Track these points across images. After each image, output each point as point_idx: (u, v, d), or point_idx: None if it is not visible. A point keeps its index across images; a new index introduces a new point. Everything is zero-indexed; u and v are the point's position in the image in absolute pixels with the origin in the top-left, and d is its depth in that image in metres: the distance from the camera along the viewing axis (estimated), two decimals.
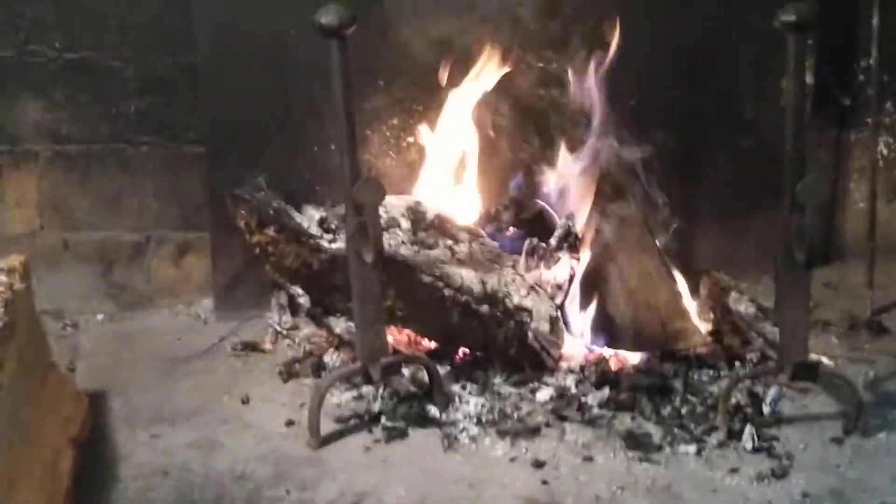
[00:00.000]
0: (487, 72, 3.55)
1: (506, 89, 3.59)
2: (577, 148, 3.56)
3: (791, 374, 2.96)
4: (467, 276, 3.23)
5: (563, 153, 3.59)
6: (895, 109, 3.97)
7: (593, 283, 3.38)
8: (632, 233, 3.41)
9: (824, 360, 3.23)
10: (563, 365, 3.28)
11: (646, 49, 3.59)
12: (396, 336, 3.35)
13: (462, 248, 3.39)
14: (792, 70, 2.81)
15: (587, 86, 3.53)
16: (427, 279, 3.20)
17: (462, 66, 3.54)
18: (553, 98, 3.63)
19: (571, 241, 3.47)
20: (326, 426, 2.97)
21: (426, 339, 3.37)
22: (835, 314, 3.69)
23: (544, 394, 3.15)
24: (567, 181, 3.58)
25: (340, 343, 3.34)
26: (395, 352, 3.13)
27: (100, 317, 3.74)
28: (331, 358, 3.33)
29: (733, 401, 3.08)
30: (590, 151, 3.53)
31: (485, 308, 3.20)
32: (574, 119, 3.57)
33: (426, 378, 3.11)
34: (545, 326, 3.26)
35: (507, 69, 3.56)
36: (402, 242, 3.34)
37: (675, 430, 2.98)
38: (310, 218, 3.41)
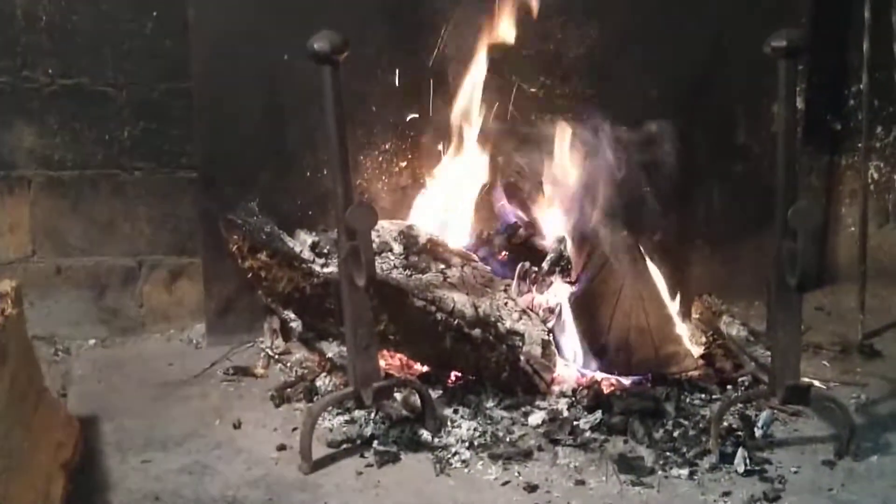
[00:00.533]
0: (474, 91, 3.59)
1: (498, 115, 3.63)
2: (568, 172, 3.56)
3: (783, 397, 2.97)
4: (459, 300, 3.22)
5: (554, 176, 3.60)
6: (886, 134, 3.99)
7: (585, 307, 3.39)
8: (624, 257, 3.40)
9: (816, 383, 3.24)
10: (556, 388, 3.29)
11: (638, 75, 3.63)
12: (388, 360, 3.36)
13: (454, 272, 3.38)
14: (783, 96, 2.83)
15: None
16: (419, 303, 3.19)
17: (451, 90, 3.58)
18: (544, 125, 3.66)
19: (563, 265, 3.49)
20: (318, 451, 2.96)
21: (418, 363, 3.37)
22: (826, 338, 3.70)
23: (536, 417, 3.15)
24: (560, 206, 3.59)
25: (332, 367, 3.34)
26: (388, 376, 3.12)
27: (92, 342, 3.72)
28: (323, 382, 3.33)
29: (725, 424, 3.08)
30: (583, 176, 3.54)
31: (477, 332, 3.20)
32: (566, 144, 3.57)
33: (418, 402, 3.10)
34: (537, 350, 3.25)
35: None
36: (395, 266, 3.33)
37: (668, 453, 2.98)
38: (302, 242, 3.40)
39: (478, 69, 3.54)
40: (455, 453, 2.99)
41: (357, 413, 3.15)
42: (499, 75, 3.58)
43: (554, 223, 3.59)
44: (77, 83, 3.65)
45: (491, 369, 3.24)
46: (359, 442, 3.04)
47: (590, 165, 3.48)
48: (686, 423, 3.12)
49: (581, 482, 2.86)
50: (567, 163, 3.53)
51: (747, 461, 2.92)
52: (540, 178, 3.58)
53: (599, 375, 3.34)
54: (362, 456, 2.98)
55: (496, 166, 3.66)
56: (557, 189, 3.56)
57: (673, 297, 3.51)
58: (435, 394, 3.20)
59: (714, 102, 3.68)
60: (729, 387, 3.33)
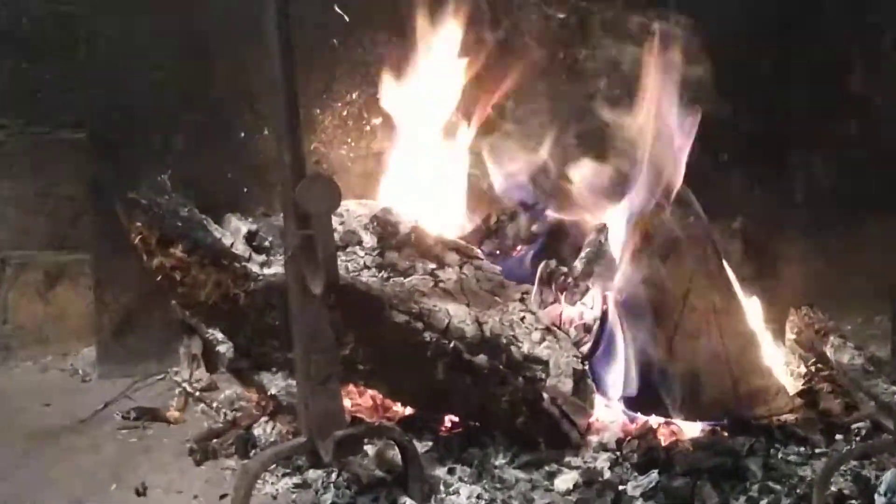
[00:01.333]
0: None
1: (514, 46, 3.66)
2: (614, 134, 3.58)
3: None
4: (457, 314, 3.26)
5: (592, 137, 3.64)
6: None
7: (636, 324, 3.41)
8: (693, 254, 3.46)
9: None
10: (593, 440, 3.33)
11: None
12: (357, 399, 3.39)
13: (450, 275, 3.42)
14: None
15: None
16: (400, 318, 3.21)
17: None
18: (578, 60, 3.71)
19: (605, 264, 3.52)
20: None
21: (399, 404, 3.43)
22: None
23: (566, 480, 3.16)
24: (598, 180, 3.61)
25: (277, 409, 3.37)
26: (355, 421, 3.14)
27: None
28: (263, 430, 3.38)
29: (834, 489, 3.06)
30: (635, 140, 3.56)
31: (481, 359, 3.23)
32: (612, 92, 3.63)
33: (398, 458, 3.10)
34: (567, 385, 3.29)
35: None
36: (365, 266, 3.38)
37: None
38: (234, 232, 3.43)
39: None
40: None
41: (312, 474, 3.16)
42: None
43: (592, 206, 3.63)
44: None
45: (501, 412, 3.27)
46: None
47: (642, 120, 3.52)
48: (778, 487, 3.12)
49: None
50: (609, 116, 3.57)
51: None
52: (572, 140, 3.64)
53: (655, 421, 3.38)
54: None
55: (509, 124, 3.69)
56: (597, 157, 3.60)
57: (759, 308, 3.55)
58: (422, 446, 3.23)
59: (817, 35, 3.70)
60: (838, 436, 3.34)
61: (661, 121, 3.53)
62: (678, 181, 3.51)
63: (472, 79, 3.67)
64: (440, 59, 3.61)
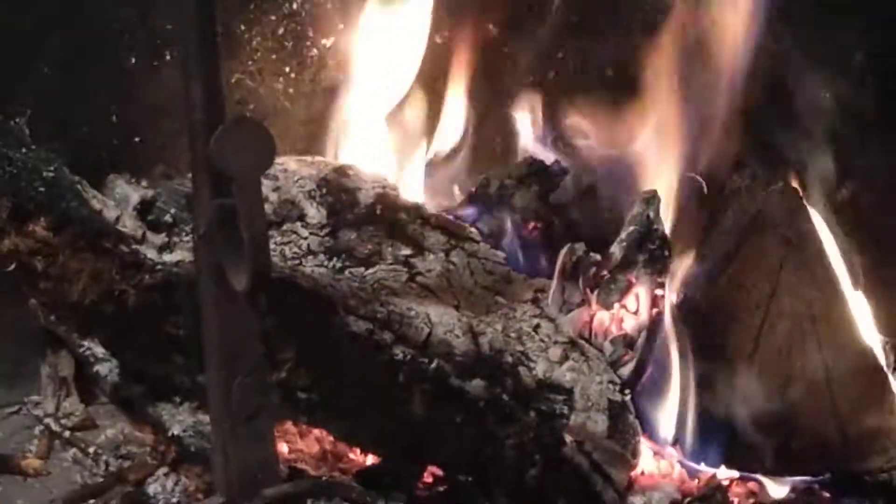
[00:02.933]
0: None
1: None
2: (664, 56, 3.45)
3: None
4: (442, 321, 3.04)
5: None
6: None
7: (701, 336, 3.21)
8: (781, 236, 3.24)
9: None
10: (637, 501, 3.10)
11: None
12: (297, 443, 3.20)
13: (432, 264, 3.22)
14: None
15: None
16: (360, 327, 2.96)
17: None
18: None
19: (655, 252, 3.26)
20: None
21: (358, 449, 3.25)
22: None
23: None
24: (646, 125, 3.45)
25: (182, 456, 3.16)
26: (295, 474, 2.94)
27: None
28: (162, 486, 3.12)
29: None
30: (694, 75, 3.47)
31: (477, 385, 2.98)
32: None
33: None
34: (600, 423, 3.07)
35: None
36: (310, 251, 3.19)
37: None
38: (121, 201, 3.20)
39: None
40: None
41: None
42: None
43: (635, 164, 3.43)
44: None
45: (505, 461, 3.04)
46: None
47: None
48: None
49: None
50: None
51: None
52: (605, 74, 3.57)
53: (726, 475, 3.20)
54: None
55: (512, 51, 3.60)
56: (642, 100, 3.45)
57: (878, 315, 3.33)
58: None
59: None
60: None
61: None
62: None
63: None
64: None
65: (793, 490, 3.12)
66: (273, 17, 3.47)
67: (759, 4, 3.39)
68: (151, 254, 3.02)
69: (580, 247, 3.27)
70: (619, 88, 3.58)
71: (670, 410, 3.21)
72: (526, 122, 3.59)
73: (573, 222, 3.48)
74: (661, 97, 3.46)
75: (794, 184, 3.30)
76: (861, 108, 3.46)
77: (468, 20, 3.61)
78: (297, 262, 3.12)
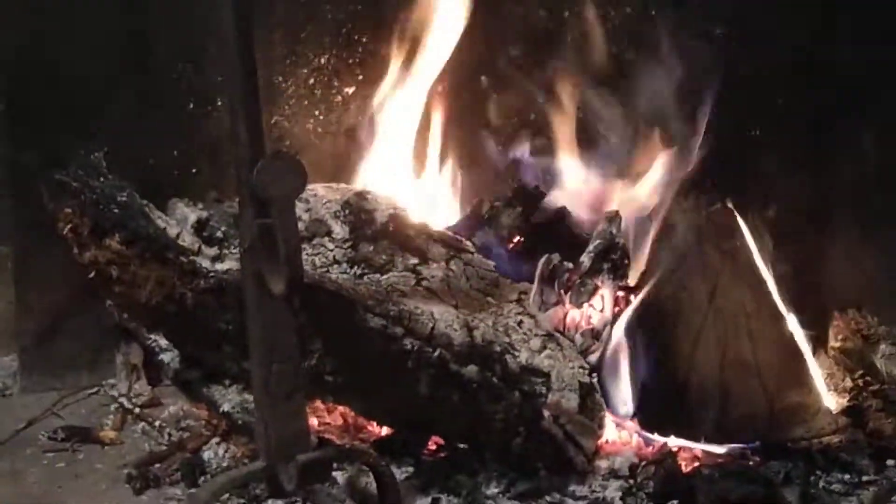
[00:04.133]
0: None
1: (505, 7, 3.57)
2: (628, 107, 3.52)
3: None
4: (443, 318, 3.11)
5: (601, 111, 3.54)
6: None
7: (653, 329, 3.31)
8: (719, 250, 3.35)
9: None
10: (602, 465, 3.20)
11: None
12: (325, 417, 3.28)
13: (435, 272, 3.30)
14: None
15: None
16: (376, 322, 3.03)
17: None
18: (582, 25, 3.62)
19: (616, 260, 3.39)
20: None
21: (374, 423, 3.30)
22: None
23: None
24: (610, 161, 3.53)
25: (231, 428, 3.23)
26: (323, 443, 2.93)
27: None
28: (214, 453, 3.23)
29: None
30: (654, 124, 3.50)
31: (471, 370, 3.07)
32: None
33: (373, 486, 2.95)
34: (572, 401, 3.14)
35: None
36: (335, 261, 3.26)
37: None
38: (180, 220, 3.27)
39: None
40: None
41: None
42: None
43: (602, 190, 3.57)
44: None
45: (495, 432, 3.13)
46: None
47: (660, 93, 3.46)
48: None
49: None
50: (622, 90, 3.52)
51: None
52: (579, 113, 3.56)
53: (674, 443, 3.26)
54: None
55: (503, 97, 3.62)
56: (607, 132, 3.52)
57: (798, 311, 3.42)
58: (402, 473, 3.10)
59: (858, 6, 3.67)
60: (890, 462, 3.21)
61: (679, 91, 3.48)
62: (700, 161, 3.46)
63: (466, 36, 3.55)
64: (426, 16, 3.54)
65: (729, 455, 3.16)
66: (304, 71, 3.52)
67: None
68: (206, 263, 3.07)
69: (556, 257, 3.34)
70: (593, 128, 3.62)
71: (629, 390, 3.25)
72: (513, 154, 3.64)
73: (550, 237, 3.49)
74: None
75: (730, 206, 3.32)
76: (782, 147, 3.56)
77: (464, 75, 3.63)
78: (324, 269, 3.14)
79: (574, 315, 3.34)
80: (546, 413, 3.10)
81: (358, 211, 3.32)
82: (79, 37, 3.43)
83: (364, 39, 3.55)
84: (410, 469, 3.13)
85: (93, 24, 3.42)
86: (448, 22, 3.51)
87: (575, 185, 3.58)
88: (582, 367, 3.18)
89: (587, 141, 3.61)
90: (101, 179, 3.17)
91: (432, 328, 3.05)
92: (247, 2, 2.63)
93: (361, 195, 3.37)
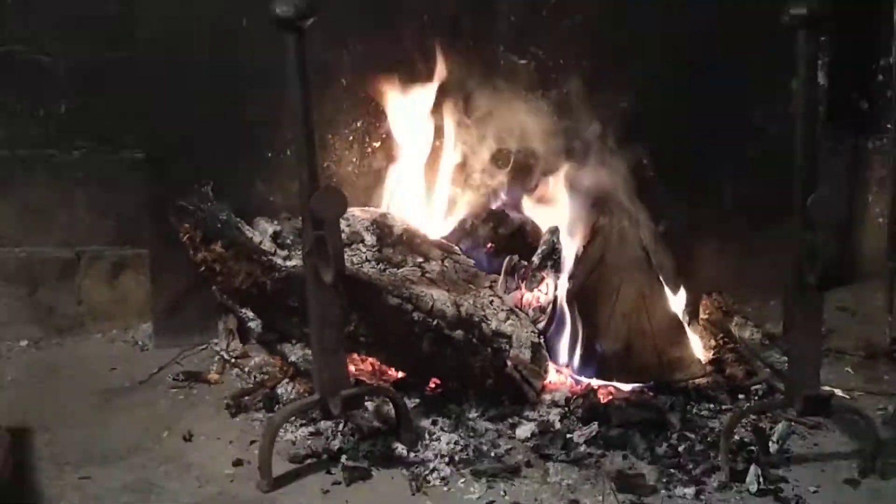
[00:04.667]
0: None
1: (486, 91, 3.64)
2: (566, 157, 3.63)
3: (801, 408, 2.97)
4: (439, 298, 3.24)
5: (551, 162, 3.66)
6: None
7: (581, 306, 3.40)
8: (625, 250, 3.43)
9: (838, 392, 3.23)
10: (547, 397, 3.31)
11: (648, 54, 3.65)
12: (359, 365, 3.38)
13: (434, 267, 3.42)
14: (803, 71, 2.82)
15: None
16: (394, 301, 3.19)
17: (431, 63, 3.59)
18: (539, 102, 3.69)
19: (556, 259, 3.51)
20: (280, 466, 2.97)
21: (392, 369, 3.39)
22: (850, 342, 3.71)
23: (525, 430, 3.17)
24: (552, 193, 3.64)
25: (296, 373, 3.35)
26: (358, 382, 3.14)
27: (24, 343, 3.73)
28: (285, 389, 3.34)
29: (736, 438, 3.10)
30: (580, 161, 3.60)
31: (458, 333, 3.22)
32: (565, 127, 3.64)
33: (392, 412, 3.12)
34: (526, 354, 3.28)
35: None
36: (366, 260, 3.37)
37: (672, 470, 3.00)
38: (262, 232, 3.41)
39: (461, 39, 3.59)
40: (433, 469, 3.00)
41: (323, 424, 3.16)
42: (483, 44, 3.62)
43: (546, 211, 3.64)
44: (8, 51, 3.65)
45: (474, 376, 3.25)
46: (325, 457, 3.04)
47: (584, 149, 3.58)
48: (692, 436, 3.14)
49: (575, 502, 2.87)
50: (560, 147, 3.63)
51: (760, 479, 2.93)
52: (532, 160, 3.66)
53: (596, 383, 3.35)
54: (329, 472, 2.98)
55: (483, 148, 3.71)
56: (550, 174, 3.63)
57: (679, 295, 3.54)
58: (411, 403, 3.22)
59: (726, 78, 3.69)
60: (741, 396, 3.35)
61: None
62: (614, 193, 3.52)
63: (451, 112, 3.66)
64: (426, 96, 3.62)
65: (632, 391, 3.29)
66: (346, 130, 3.61)
67: None
68: (279, 261, 3.25)
69: (515, 257, 3.46)
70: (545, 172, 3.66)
71: (565, 347, 3.39)
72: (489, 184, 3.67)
73: (512, 243, 3.57)
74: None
75: (632, 222, 3.42)
76: (670, 182, 3.64)
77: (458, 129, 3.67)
78: (359, 266, 3.28)
79: (528, 297, 3.44)
80: (509, 363, 3.23)
81: (382, 226, 3.46)
82: (195, 106, 3.51)
83: (384, 109, 3.60)
84: (417, 400, 3.25)
85: (203, 101, 3.52)
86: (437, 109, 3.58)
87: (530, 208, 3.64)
88: (533, 331, 3.31)
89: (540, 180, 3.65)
90: (209, 204, 3.37)
91: (432, 305, 3.19)
92: (308, 85, 2.78)
93: (384, 216, 3.50)
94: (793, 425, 3.18)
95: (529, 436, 3.15)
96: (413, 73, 3.59)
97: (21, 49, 3.64)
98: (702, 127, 3.71)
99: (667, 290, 3.47)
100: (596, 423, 3.17)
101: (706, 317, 3.57)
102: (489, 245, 3.62)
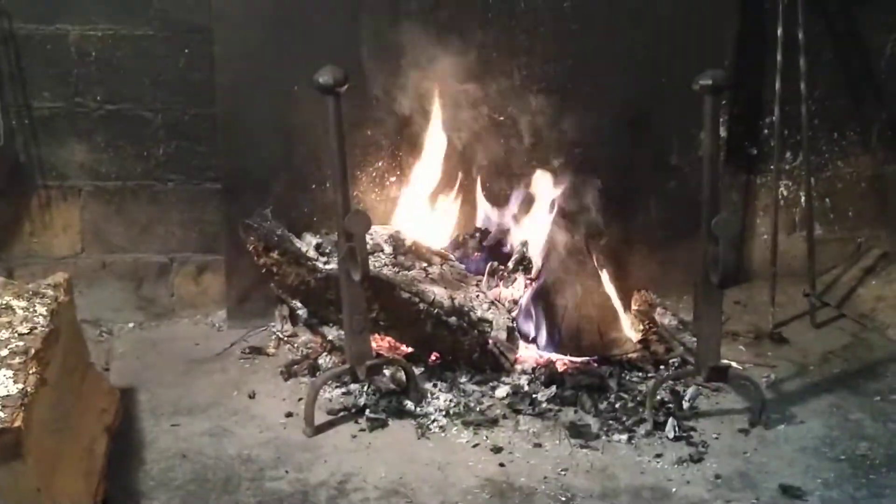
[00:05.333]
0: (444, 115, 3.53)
1: (476, 137, 3.59)
2: (533, 188, 3.58)
3: (706, 376, 2.98)
4: (439, 293, 3.19)
5: (521, 192, 3.62)
6: (794, 158, 3.94)
7: (544, 300, 3.35)
8: (576, 258, 3.41)
9: (734, 364, 3.21)
10: (518, 367, 3.27)
11: (592, 108, 3.59)
12: (379, 342, 3.31)
13: (434, 270, 3.36)
14: (708, 125, 2.81)
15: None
16: (405, 295, 3.15)
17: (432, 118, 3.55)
18: (512, 148, 3.63)
19: (526, 265, 3.46)
20: (320, 417, 2.96)
21: (404, 345, 3.33)
22: (742, 326, 3.69)
23: (502, 391, 3.14)
24: (523, 215, 3.59)
25: (332, 348, 3.30)
26: (378, 355, 3.08)
27: (131, 325, 3.66)
28: (324, 360, 3.30)
29: (658, 398, 3.08)
30: (545, 192, 3.56)
31: (453, 319, 3.18)
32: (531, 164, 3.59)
33: (404, 377, 3.09)
34: (503, 335, 3.23)
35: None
36: (385, 264, 3.31)
37: (610, 421, 2.98)
38: (308, 244, 3.37)
39: (452, 104, 3.52)
40: (434, 420, 2.98)
41: (352, 386, 3.12)
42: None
43: (518, 229, 3.59)
44: (120, 108, 3.62)
45: (464, 350, 3.21)
46: (353, 410, 3.02)
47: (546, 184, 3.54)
48: (626, 396, 3.11)
49: (538, 445, 2.87)
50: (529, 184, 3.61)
51: (676, 429, 2.94)
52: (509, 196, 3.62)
53: (554, 357, 3.31)
54: (356, 422, 2.97)
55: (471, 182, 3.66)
56: (521, 204, 3.60)
57: (616, 291, 3.50)
58: (417, 371, 3.18)
59: (653, 129, 3.64)
60: (662, 367, 3.31)
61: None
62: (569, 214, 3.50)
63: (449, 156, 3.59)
64: (433, 139, 3.56)
65: (581, 363, 3.24)
66: (370, 168, 3.54)
67: None
68: (320, 265, 3.21)
69: (495, 263, 3.43)
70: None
71: (532, 330, 3.33)
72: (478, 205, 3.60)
73: (493, 253, 3.52)
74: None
75: (581, 236, 3.41)
76: (608, 204, 3.54)
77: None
78: (379, 269, 3.21)
79: (505, 293, 3.40)
80: (490, 341, 3.19)
81: (396, 239, 3.39)
82: (259, 149, 3.45)
83: (400, 153, 3.56)
84: (422, 369, 3.21)
85: (266, 146, 3.47)
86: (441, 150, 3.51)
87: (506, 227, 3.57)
88: (508, 318, 3.26)
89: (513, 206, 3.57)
90: (268, 223, 3.33)
91: (433, 298, 3.16)
92: (342, 135, 2.78)
93: (398, 232, 3.44)
94: (700, 389, 3.16)
95: (505, 395, 3.12)
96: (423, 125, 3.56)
97: (130, 106, 3.63)
98: (633, 165, 3.67)
99: (607, 287, 3.46)
100: (554, 386, 3.14)
101: (636, 308, 3.52)
102: (476, 255, 3.57)
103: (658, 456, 2.82)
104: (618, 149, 3.63)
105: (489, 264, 3.44)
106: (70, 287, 2.79)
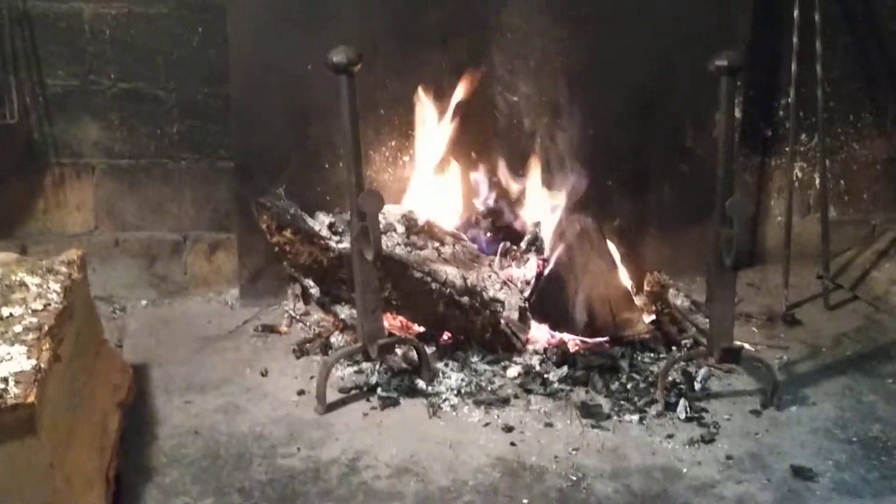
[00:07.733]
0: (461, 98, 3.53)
1: (488, 118, 3.59)
2: (547, 168, 3.58)
3: (718, 357, 2.96)
4: (451, 273, 3.19)
5: (535, 172, 3.60)
6: (808, 140, 3.93)
7: (556, 280, 3.33)
8: (589, 239, 3.38)
9: (746, 346, 3.19)
10: (530, 347, 3.26)
11: (605, 91, 3.58)
12: (391, 321, 3.30)
13: (447, 250, 3.35)
14: (724, 107, 2.80)
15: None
16: (417, 275, 3.15)
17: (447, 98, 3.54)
18: (524, 130, 3.62)
19: (538, 245, 3.46)
20: (332, 395, 2.96)
21: (416, 325, 3.33)
22: (756, 308, 3.68)
23: (513, 371, 3.14)
24: (535, 196, 3.58)
25: (344, 327, 3.30)
26: (390, 334, 3.07)
27: (144, 302, 3.67)
28: (336, 339, 3.30)
29: (670, 378, 3.08)
30: (558, 173, 3.55)
31: (465, 299, 3.17)
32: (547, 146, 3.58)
33: (415, 356, 3.10)
34: (515, 315, 3.22)
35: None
36: (398, 244, 3.30)
37: (622, 402, 2.98)
38: (321, 223, 3.37)
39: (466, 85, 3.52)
40: (445, 399, 2.99)
41: (364, 365, 3.13)
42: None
43: (531, 210, 3.58)
44: (134, 86, 3.62)
45: (476, 330, 3.21)
46: (365, 389, 3.03)
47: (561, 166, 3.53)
48: (637, 377, 3.11)
49: (550, 424, 2.87)
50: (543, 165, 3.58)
51: (688, 409, 2.94)
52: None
53: (566, 337, 3.30)
54: (368, 400, 2.98)
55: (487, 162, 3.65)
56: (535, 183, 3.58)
57: (629, 273, 3.50)
58: (429, 350, 3.19)
59: (666, 112, 3.62)
60: (674, 348, 3.30)
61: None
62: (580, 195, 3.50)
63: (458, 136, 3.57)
64: (443, 122, 3.54)
65: (593, 343, 3.24)
66: (383, 148, 3.53)
67: None
68: (333, 244, 3.21)
69: (508, 243, 3.44)
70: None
71: (545, 310, 3.30)
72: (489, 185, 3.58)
73: (506, 233, 3.54)
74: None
75: (594, 218, 3.41)
76: (623, 189, 3.59)
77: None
78: (392, 248, 3.21)
79: (517, 273, 3.40)
80: (502, 321, 3.19)
81: (409, 219, 3.38)
82: (272, 128, 3.47)
83: (413, 133, 3.54)
84: (434, 348, 3.21)
85: (278, 126, 3.46)
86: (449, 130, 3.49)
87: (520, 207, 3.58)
88: (520, 298, 3.26)
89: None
90: (281, 202, 3.33)
91: (446, 278, 3.15)
92: (356, 115, 2.77)
93: (411, 211, 3.44)
94: (712, 370, 3.15)
95: (517, 375, 3.12)
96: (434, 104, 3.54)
97: (144, 85, 3.62)
98: (647, 148, 3.66)
99: (620, 269, 3.45)
100: (566, 366, 3.14)
101: (649, 289, 3.48)
102: (488, 234, 3.58)
103: (669, 436, 2.83)
104: (632, 131, 3.62)
105: (501, 245, 3.44)
106: (84, 264, 2.79)
